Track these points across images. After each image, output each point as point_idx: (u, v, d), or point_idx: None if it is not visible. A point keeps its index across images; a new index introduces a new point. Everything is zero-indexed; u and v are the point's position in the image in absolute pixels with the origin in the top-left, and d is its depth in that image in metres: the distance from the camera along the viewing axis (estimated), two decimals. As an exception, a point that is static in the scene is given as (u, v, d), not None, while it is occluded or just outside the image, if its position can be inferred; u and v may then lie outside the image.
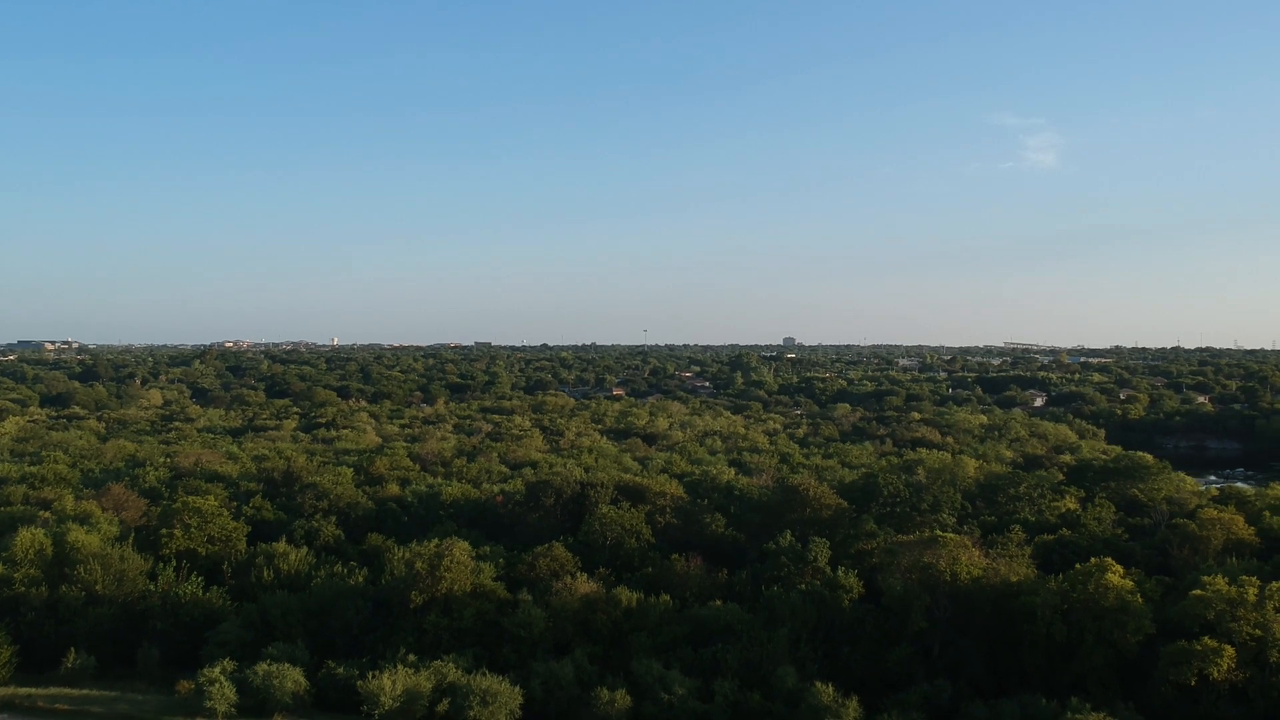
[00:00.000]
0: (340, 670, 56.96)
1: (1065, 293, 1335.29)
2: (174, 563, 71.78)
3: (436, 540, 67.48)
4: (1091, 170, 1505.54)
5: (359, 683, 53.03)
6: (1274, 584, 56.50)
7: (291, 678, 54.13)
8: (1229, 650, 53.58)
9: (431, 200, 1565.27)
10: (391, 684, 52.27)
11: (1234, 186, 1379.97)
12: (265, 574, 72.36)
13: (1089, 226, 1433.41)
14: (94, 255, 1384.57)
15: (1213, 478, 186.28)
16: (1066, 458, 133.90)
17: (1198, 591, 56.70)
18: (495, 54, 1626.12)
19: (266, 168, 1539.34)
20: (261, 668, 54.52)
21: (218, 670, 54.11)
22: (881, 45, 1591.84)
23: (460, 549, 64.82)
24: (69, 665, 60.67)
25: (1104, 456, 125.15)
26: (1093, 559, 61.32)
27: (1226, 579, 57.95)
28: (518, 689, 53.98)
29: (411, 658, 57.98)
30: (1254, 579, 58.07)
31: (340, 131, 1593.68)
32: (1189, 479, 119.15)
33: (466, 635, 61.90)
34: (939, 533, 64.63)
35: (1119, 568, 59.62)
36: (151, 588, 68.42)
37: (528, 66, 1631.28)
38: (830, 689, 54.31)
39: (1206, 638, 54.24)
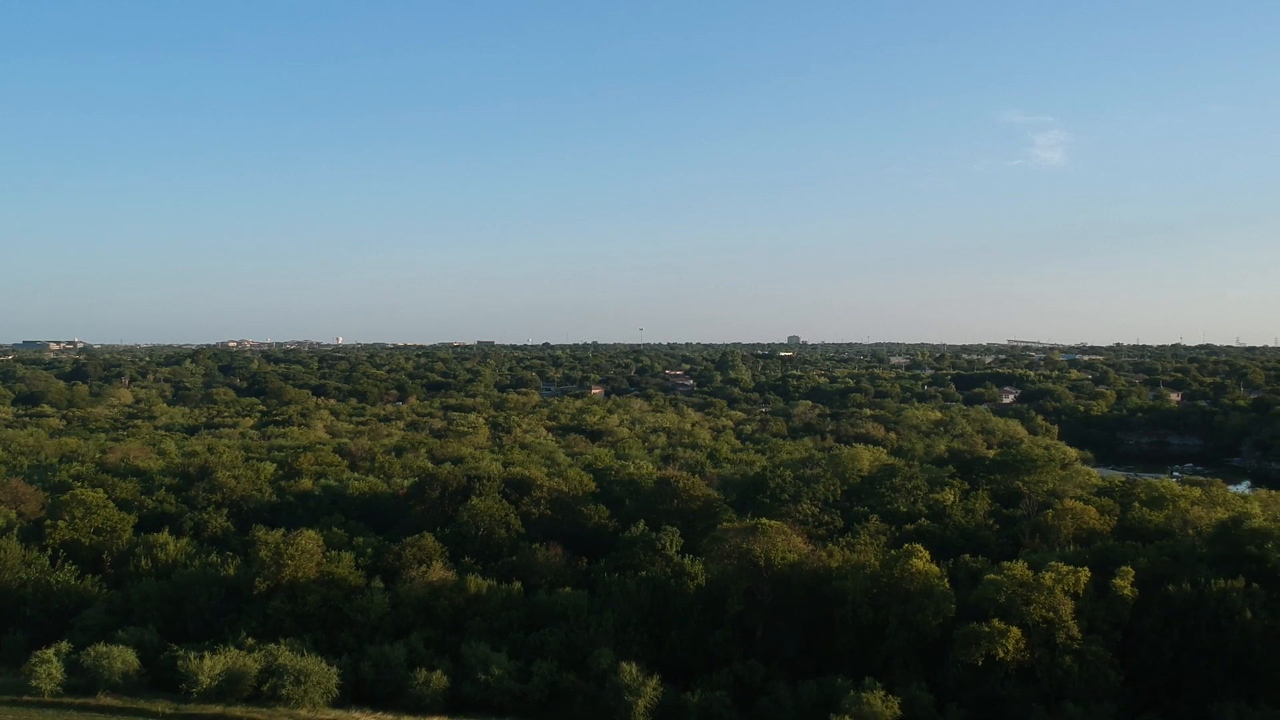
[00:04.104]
0: (180, 652, 59.59)
1: (1072, 290, 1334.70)
2: (50, 552, 74.68)
3: (283, 530, 70.05)
4: (1099, 168, 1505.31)
5: (179, 662, 55.54)
6: (1064, 567, 58.55)
7: (122, 659, 56.63)
8: (1015, 632, 55.67)
9: (432, 200, 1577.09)
10: (211, 664, 54.73)
11: (1241, 184, 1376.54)
12: (144, 563, 75.29)
13: (1097, 224, 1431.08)
14: (98, 255, 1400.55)
15: (1175, 472, 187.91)
16: (994, 453, 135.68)
17: (991, 576, 58.88)
18: (495, 54, 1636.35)
19: (267, 168, 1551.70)
20: (95, 649, 57.01)
21: (51, 652, 56.67)
22: (887, 44, 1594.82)
23: (308, 538, 67.36)
24: (-73, 649, 63.52)
25: (1043, 451, 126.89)
26: (905, 545, 63.49)
27: (1026, 564, 60.12)
28: (334, 669, 56.34)
29: (250, 641, 60.61)
30: (1059, 564, 60.17)
31: (340, 131, 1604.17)
32: (1094, 472, 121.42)
33: (310, 620, 64.56)
34: (762, 520, 66.82)
35: (925, 553, 61.78)
36: (24, 576, 71.34)
37: (528, 66, 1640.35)
38: (634, 668, 56.70)
39: (996, 620, 56.38)
